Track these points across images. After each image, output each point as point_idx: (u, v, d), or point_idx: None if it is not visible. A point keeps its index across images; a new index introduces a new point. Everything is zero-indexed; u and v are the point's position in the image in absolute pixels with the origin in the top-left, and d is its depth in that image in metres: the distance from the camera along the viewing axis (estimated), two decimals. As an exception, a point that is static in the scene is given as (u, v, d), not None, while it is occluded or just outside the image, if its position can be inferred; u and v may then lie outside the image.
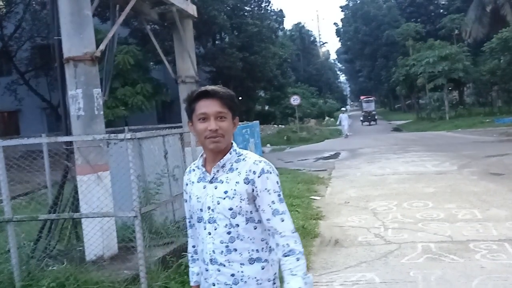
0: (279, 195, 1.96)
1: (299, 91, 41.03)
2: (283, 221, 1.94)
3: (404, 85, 41.11)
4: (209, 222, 1.96)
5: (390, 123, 43.40)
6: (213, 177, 1.98)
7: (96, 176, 4.96)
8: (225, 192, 1.95)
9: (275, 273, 2.01)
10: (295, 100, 30.34)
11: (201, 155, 2.05)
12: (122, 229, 5.69)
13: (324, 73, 71.90)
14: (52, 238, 5.25)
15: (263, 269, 1.95)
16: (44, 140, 4.62)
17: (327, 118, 50.30)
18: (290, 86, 41.20)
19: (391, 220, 7.00)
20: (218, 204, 1.95)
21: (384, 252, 5.54)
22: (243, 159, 1.99)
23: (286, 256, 1.92)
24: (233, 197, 1.94)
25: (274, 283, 1.98)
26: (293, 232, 1.96)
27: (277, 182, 1.97)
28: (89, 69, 5.00)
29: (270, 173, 1.95)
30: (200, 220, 2.00)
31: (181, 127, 8.23)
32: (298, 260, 1.92)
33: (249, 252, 1.95)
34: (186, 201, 2.14)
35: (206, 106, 1.93)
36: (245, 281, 1.93)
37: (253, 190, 1.94)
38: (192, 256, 2.20)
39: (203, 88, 1.96)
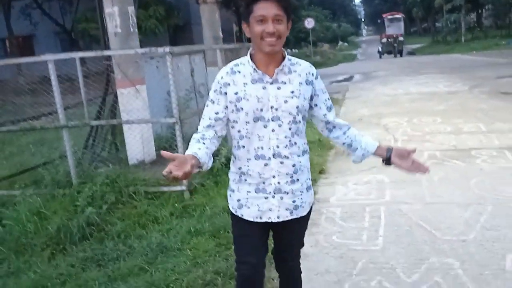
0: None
1: (313, 14, 40.14)
2: (336, 114, 2.26)
3: (420, 7, 39.92)
4: (272, 120, 2.06)
5: (405, 47, 42.57)
6: (276, 78, 2.07)
7: (134, 89, 5.48)
8: (292, 92, 2.07)
9: None
10: (309, 23, 29.95)
11: (249, 60, 2.08)
12: (157, 140, 6.31)
13: (338, -5, 69.51)
14: (98, 145, 5.89)
15: (307, 158, 2.25)
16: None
17: (340, 42, 49.55)
18: (304, 9, 40.29)
19: (401, 133, 7.54)
20: (285, 103, 2.06)
21: (394, 159, 6.12)
22: (297, 62, 2.13)
23: (350, 129, 2.26)
24: (299, 96, 2.08)
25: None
26: None
27: None
28: (123, -12, 5.35)
29: (319, 75, 2.20)
30: (258, 119, 2.06)
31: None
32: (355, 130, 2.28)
33: (302, 145, 2.18)
34: (213, 102, 2.12)
35: (265, 9, 1.95)
36: (302, 170, 2.18)
37: (311, 90, 2.14)
38: (198, 140, 2.09)
39: None
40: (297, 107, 2.07)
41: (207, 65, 8.13)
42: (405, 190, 4.92)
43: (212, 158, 2.11)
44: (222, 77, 2.10)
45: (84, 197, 4.66)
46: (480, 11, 38.07)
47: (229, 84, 2.08)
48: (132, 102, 5.45)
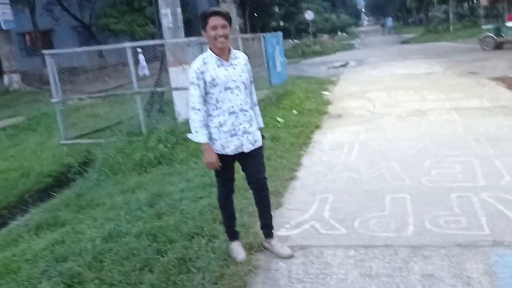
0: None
1: (313, 7, 42.05)
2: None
3: (414, -2, 41.83)
4: (235, 88, 3.17)
5: (400, 37, 44.43)
6: (230, 63, 3.19)
7: (181, 68, 7.63)
8: (242, 69, 3.22)
9: None
10: (309, 15, 31.95)
11: (211, 54, 3.13)
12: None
13: (338, -14, 71.09)
14: (154, 110, 8.07)
15: (254, 112, 3.42)
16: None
17: (339, 33, 51.47)
18: (304, 1, 42.19)
19: (379, 102, 9.69)
20: (240, 76, 3.19)
21: (370, 118, 8.29)
22: (237, 53, 3.29)
23: (255, 105, 3.44)
24: (246, 72, 3.26)
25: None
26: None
27: None
28: (174, -5, 7.49)
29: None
30: (227, 88, 3.15)
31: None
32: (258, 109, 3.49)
33: (251, 102, 3.38)
34: (198, 86, 3.10)
35: (216, 20, 3.04)
36: (253, 118, 3.36)
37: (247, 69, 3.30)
38: (203, 123, 3.17)
39: (212, 9, 3.13)
40: (247, 79, 3.28)
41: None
42: (374, 133, 7.09)
43: None
44: (198, 68, 3.13)
45: (154, 140, 6.83)
46: (471, 2, 39.93)
47: (204, 72, 3.12)
48: (180, 77, 7.59)
